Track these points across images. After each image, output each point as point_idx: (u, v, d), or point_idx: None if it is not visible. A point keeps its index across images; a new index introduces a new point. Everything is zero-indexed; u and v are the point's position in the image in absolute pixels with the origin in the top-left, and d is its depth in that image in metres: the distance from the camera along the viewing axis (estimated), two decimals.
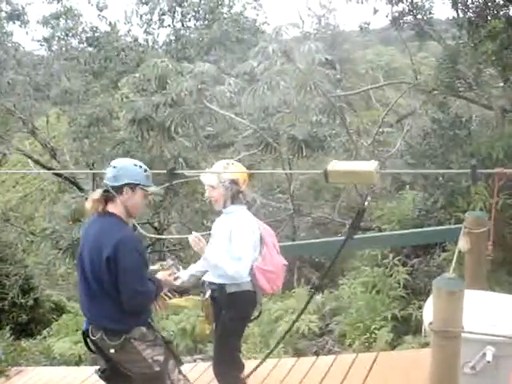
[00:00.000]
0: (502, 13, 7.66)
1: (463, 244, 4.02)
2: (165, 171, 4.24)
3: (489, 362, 3.03)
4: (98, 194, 3.41)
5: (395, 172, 8.42)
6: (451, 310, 2.60)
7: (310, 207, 13.60)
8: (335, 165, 3.60)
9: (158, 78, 9.57)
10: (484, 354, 3.06)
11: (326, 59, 8.60)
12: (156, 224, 13.14)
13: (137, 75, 10.68)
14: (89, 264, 3.36)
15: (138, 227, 4.47)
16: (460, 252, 4.09)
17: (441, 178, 7.25)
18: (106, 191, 3.39)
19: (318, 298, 8.87)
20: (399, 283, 7.53)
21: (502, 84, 8.50)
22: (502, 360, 3.15)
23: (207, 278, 4.05)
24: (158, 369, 3.46)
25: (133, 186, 3.36)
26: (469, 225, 4.08)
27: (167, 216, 12.78)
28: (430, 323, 2.72)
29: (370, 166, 3.42)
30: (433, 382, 2.87)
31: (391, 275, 7.74)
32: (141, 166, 3.43)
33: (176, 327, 8.58)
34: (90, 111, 13.50)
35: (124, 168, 3.38)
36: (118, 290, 3.28)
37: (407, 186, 9.13)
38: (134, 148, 11.38)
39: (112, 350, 3.43)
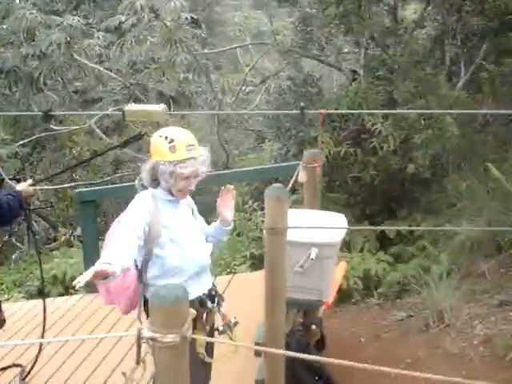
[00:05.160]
0: None
1: (301, 176, 4.78)
2: (40, 113, 4.56)
3: (312, 259, 3.78)
4: None
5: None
6: (278, 210, 3.24)
7: None
8: (131, 106, 4.65)
9: (27, 30, 9.53)
10: (309, 254, 3.80)
11: (192, 18, 9.04)
12: (21, 180, 12.91)
13: (4, 27, 10.49)
14: None
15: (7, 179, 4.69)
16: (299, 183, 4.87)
17: (293, 131, 8.07)
18: None
19: None
20: (257, 226, 8.37)
21: (355, 50, 9.38)
22: (325, 260, 3.91)
23: (202, 288, 3.05)
24: None
25: None
26: (306, 160, 4.81)
27: (34, 172, 12.67)
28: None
29: (159, 107, 4.46)
30: (266, 278, 3.46)
31: (251, 219, 8.56)
32: None
33: (47, 275, 8.79)
34: None
35: None
36: None
37: (266, 140, 9.95)
38: (0, 102, 11.17)
39: None
